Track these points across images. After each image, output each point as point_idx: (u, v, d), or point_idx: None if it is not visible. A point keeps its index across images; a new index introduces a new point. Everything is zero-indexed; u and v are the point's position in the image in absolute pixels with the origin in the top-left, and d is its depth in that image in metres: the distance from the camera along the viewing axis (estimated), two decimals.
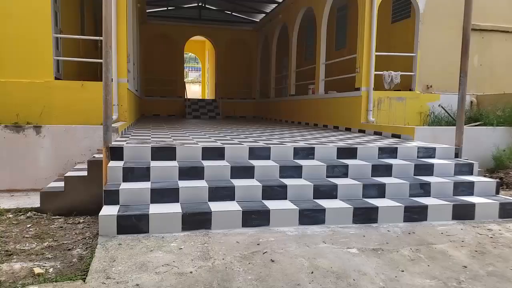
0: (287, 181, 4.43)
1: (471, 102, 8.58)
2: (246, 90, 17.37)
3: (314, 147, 5.05)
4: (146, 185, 4.12)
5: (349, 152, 5.16)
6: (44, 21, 6.93)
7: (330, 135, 7.17)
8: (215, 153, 4.80)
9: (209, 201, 4.12)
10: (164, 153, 4.67)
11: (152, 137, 5.79)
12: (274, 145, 5.14)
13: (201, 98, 18.67)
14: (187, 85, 28.69)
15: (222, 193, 4.16)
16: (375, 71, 7.93)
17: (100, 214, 3.65)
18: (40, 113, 6.87)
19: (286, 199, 4.30)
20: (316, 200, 4.29)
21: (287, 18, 12.67)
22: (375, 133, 7.49)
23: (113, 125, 5.69)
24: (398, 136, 6.81)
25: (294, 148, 4.99)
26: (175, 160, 4.67)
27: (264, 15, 15.25)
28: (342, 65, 10.33)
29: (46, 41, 6.94)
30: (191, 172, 4.40)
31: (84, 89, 6.99)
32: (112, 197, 3.95)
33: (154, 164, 4.42)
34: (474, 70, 8.60)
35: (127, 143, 4.86)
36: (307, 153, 5.03)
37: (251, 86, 17.29)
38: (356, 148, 5.18)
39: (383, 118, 8.05)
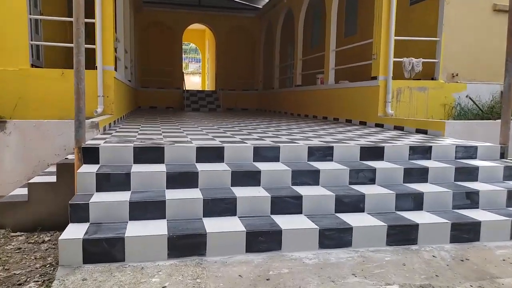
0: (301, 190, 3.56)
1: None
2: (248, 81, 16.46)
3: (332, 146, 4.17)
4: (125, 196, 3.26)
5: (375, 152, 4.28)
6: (18, 1, 6.05)
7: (345, 130, 6.28)
8: (213, 154, 3.93)
9: (204, 216, 3.26)
10: (150, 154, 3.80)
11: (139, 134, 4.92)
12: (284, 143, 4.26)
13: (200, 89, 17.76)
14: (186, 77, 27.75)
15: (221, 206, 3.30)
16: (394, 57, 7.02)
17: (61, 237, 2.79)
18: (14, 106, 6.00)
19: (301, 213, 3.43)
20: (339, 215, 3.42)
21: (293, 3, 11.72)
22: (396, 128, 6.59)
23: (92, 119, 4.84)
24: (423, 132, 5.92)
25: (308, 147, 4.12)
26: (163, 163, 3.80)
27: (267, 0, 14.28)
28: (353, 53, 9.43)
29: (20, 23, 6.06)
30: (182, 178, 3.53)
31: (65, 78, 6.12)
32: (80, 213, 3.09)
33: (136, 169, 3.55)
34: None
35: (105, 142, 3.99)
36: (324, 153, 4.15)
37: (254, 76, 16.37)
38: (383, 147, 4.29)
39: (402, 111, 7.15)
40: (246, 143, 4.25)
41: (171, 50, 15.56)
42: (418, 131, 6.04)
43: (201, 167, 3.69)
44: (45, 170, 4.40)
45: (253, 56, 16.31)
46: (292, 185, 3.73)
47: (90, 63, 8.02)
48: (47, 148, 4.64)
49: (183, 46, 35.82)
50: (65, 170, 3.75)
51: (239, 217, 3.29)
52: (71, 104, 6.20)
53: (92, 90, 6.14)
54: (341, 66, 8.97)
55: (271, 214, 3.38)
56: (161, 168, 3.61)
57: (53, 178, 3.84)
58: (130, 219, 3.15)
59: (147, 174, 3.48)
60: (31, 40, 6.23)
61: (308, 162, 4.06)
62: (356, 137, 5.23)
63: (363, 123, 7.65)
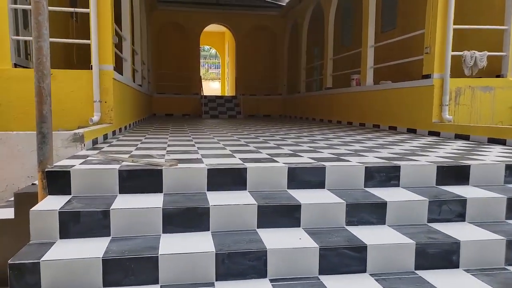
0: (363, 234, 2.38)
1: None
2: (271, 85, 15.31)
3: (399, 166, 2.97)
4: (99, 247, 2.15)
5: (458, 174, 3.05)
6: None
7: (396, 141, 5.06)
8: (231, 179, 2.79)
9: (216, 280, 2.11)
10: (142, 180, 2.69)
11: (136, 149, 3.82)
12: (329, 161, 3.08)
13: (219, 95, 16.72)
14: (205, 82, 26.83)
15: (243, 264, 2.15)
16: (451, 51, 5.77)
17: None
18: None
19: (364, 271, 2.26)
20: (423, 275, 2.22)
21: None
22: (458, 137, 5.33)
23: (76, 131, 3.77)
24: (501, 142, 4.65)
25: (366, 168, 2.93)
26: (160, 192, 2.68)
27: None
28: (392, 50, 8.20)
29: None
30: (186, 217, 2.40)
31: (55, 80, 5.08)
32: (26, 280, 1.99)
33: (120, 203, 2.44)
34: None
35: (83, 163, 2.90)
36: (388, 176, 2.96)
37: (277, 80, 15.22)
38: (469, 166, 3.07)
39: (462, 116, 5.87)
40: (277, 161, 3.09)
41: (188, 53, 14.58)
42: (493, 141, 4.76)
43: (214, 198, 2.55)
44: (9, 199, 3.33)
45: (276, 58, 15.18)
46: (347, 224, 2.55)
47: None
48: (16, 169, 3.57)
49: (202, 52, 35.19)
50: (26, 202, 2.67)
51: (270, 280, 2.14)
52: (63, 111, 5.20)
53: (87, 94, 5.11)
54: (382, 64, 7.72)
55: (319, 274, 2.21)
56: (156, 201, 2.49)
57: (9, 213, 2.77)
58: (104, 287, 2.03)
59: (135, 213, 2.36)
60: (14, 35, 5.25)
61: (366, 189, 2.87)
62: (418, 150, 4.00)
63: (411, 131, 6.39)
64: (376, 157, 3.41)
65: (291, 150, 3.82)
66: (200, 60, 35.35)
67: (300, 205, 2.51)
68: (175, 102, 14.12)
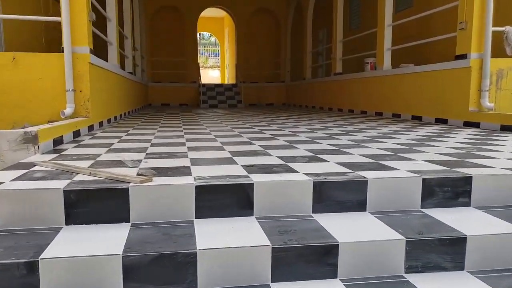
0: None
1: None
2: (273, 72, 14.38)
3: (470, 177, 2.09)
4: None
5: None
6: None
7: (434, 134, 4.17)
8: (231, 200, 1.92)
9: None
10: (100, 204, 1.82)
11: (108, 152, 2.94)
12: (369, 172, 2.19)
13: (219, 83, 15.78)
14: (205, 71, 25.84)
15: None
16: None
17: None
18: None
19: None
20: None
21: None
22: (505, 129, 4.43)
23: (28, 129, 2.91)
24: None
25: (423, 179, 2.05)
26: (126, 222, 1.82)
27: None
28: (408, 30, 7.30)
29: None
30: (159, 271, 1.53)
31: (18, 65, 4.22)
32: None
33: (60, 245, 1.58)
34: None
35: (17, 178, 2.02)
36: (454, 191, 2.08)
37: (280, 66, 14.27)
38: None
39: (504, 103, 4.98)
40: (294, 170, 2.21)
41: (186, 39, 13.63)
42: None
43: (205, 234, 1.68)
44: None
45: (279, 43, 14.21)
46: (406, 271, 1.68)
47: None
48: None
49: (202, 40, 34.09)
50: None
51: None
52: (28, 102, 4.31)
53: (58, 82, 4.22)
54: (401, 45, 6.78)
55: None
56: (116, 240, 1.62)
57: None
58: None
59: (78, 266, 1.49)
60: None
61: (425, 212, 2.00)
62: (473, 148, 3.11)
63: (441, 121, 5.50)
64: (426, 161, 2.52)
65: (309, 151, 2.94)
66: (200, 48, 34.32)
67: (338, 244, 1.64)
68: (171, 91, 13.22)
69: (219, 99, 12.64)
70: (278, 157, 2.66)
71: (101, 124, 4.89)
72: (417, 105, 6.07)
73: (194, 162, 2.47)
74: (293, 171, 2.19)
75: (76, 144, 3.28)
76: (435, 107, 5.64)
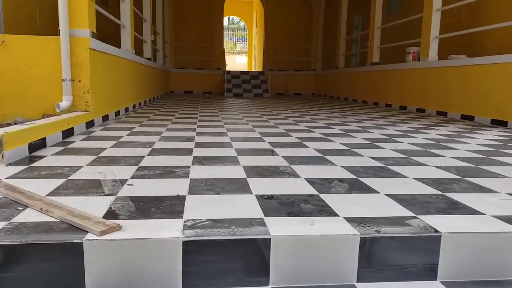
0: None
1: None
2: (303, 59, 13.57)
3: None
4: None
5: None
6: None
7: (501, 144, 3.41)
8: (234, 262, 1.28)
9: None
10: (41, 268, 1.20)
11: (94, 162, 2.35)
12: (440, 216, 1.51)
13: (245, 70, 15.10)
14: (232, 56, 25.19)
15: None
16: None
17: None
18: None
19: None
20: None
21: None
22: None
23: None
24: None
25: None
26: None
27: None
28: (456, 17, 6.42)
29: None
30: None
31: (8, 50, 3.70)
32: None
33: None
34: None
35: None
36: None
37: (310, 54, 13.45)
38: None
39: None
40: (332, 210, 1.55)
41: (211, 23, 12.98)
42: None
43: None
44: None
45: (310, 29, 13.36)
46: None
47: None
48: None
49: (231, 24, 33.27)
50: None
51: None
52: (20, 93, 3.76)
53: (54, 70, 3.67)
54: (451, 33, 5.92)
55: None
56: None
57: None
58: None
59: None
60: None
61: None
62: None
63: (499, 123, 4.68)
64: None
65: (348, 169, 2.26)
66: (229, 33, 33.56)
67: None
68: (195, 78, 12.65)
69: (244, 87, 11.98)
70: (307, 179, 2.00)
71: (105, 118, 4.33)
72: (468, 103, 5.25)
73: (194, 186, 1.83)
74: (328, 211, 1.53)
75: (60, 149, 2.70)
76: (491, 106, 4.82)
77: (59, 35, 3.62)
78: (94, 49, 3.85)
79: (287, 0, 13.19)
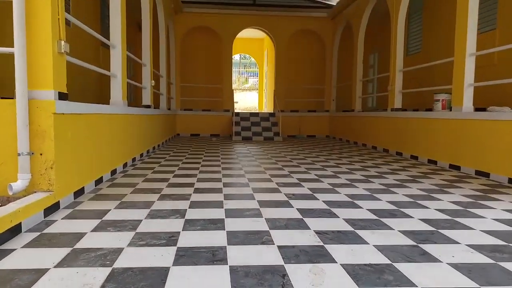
0: None
1: None
2: (316, 100, 12.88)
3: None
4: None
5: None
6: None
7: None
8: None
9: None
10: None
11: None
12: None
13: (255, 111, 14.44)
14: (243, 93, 24.71)
15: None
16: None
17: None
18: None
19: None
20: None
21: None
22: None
23: None
24: None
25: None
26: None
27: None
28: (487, 61, 5.66)
29: None
30: None
31: None
32: None
33: None
34: None
35: None
36: None
37: (324, 94, 12.76)
38: None
39: None
40: None
41: (219, 63, 12.44)
42: None
43: None
44: None
45: (324, 68, 12.73)
46: None
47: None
48: None
49: (243, 60, 33.06)
50: None
51: None
52: None
53: (8, 141, 2.95)
54: (489, 82, 5.13)
55: None
56: None
57: None
58: None
59: None
60: None
61: None
62: None
63: None
64: None
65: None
66: (240, 69, 33.29)
67: None
68: (202, 120, 12.00)
69: (253, 130, 11.25)
70: None
71: (79, 192, 3.56)
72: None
73: None
74: None
75: None
76: None
77: (15, 98, 2.91)
78: (62, 113, 3.13)
79: (299, 37, 12.64)
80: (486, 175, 4.90)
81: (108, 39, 5.08)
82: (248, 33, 14.51)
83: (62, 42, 3.10)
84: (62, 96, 3.12)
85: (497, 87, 6.13)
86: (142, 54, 7.10)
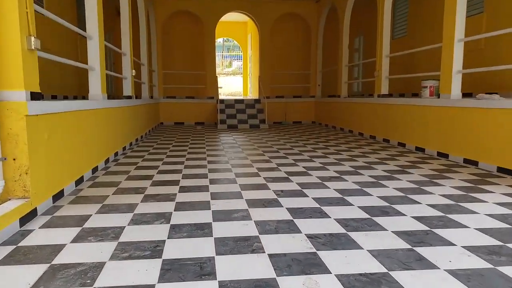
0: None
1: None
2: (301, 85, 12.74)
3: None
4: None
5: None
6: None
7: None
8: None
9: None
10: None
11: None
12: None
13: (239, 98, 14.21)
14: (228, 78, 24.38)
15: None
16: None
17: None
18: None
19: None
20: None
21: None
22: None
23: None
24: None
25: None
26: None
27: None
28: (474, 48, 5.59)
29: None
30: None
31: None
32: None
33: None
34: None
35: None
36: None
37: (309, 79, 12.62)
38: None
39: None
40: None
41: (202, 49, 12.16)
42: None
43: None
44: None
45: (309, 53, 12.56)
46: None
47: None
48: None
49: (226, 42, 32.57)
50: None
51: None
52: None
53: None
54: (478, 69, 5.06)
55: None
56: None
57: None
58: None
59: None
60: None
61: None
62: None
63: None
64: None
65: None
66: (224, 53, 32.80)
67: None
68: (186, 108, 11.77)
69: (239, 118, 11.07)
70: None
71: (59, 195, 3.39)
72: (508, 154, 4.34)
73: None
74: None
75: None
76: None
77: None
78: (36, 115, 2.94)
79: (283, 22, 12.41)
80: (475, 163, 4.86)
81: (85, 29, 4.84)
82: (231, 17, 14.21)
83: (32, 38, 2.89)
84: (35, 96, 2.92)
85: (484, 72, 6.07)
86: (122, 43, 6.84)
